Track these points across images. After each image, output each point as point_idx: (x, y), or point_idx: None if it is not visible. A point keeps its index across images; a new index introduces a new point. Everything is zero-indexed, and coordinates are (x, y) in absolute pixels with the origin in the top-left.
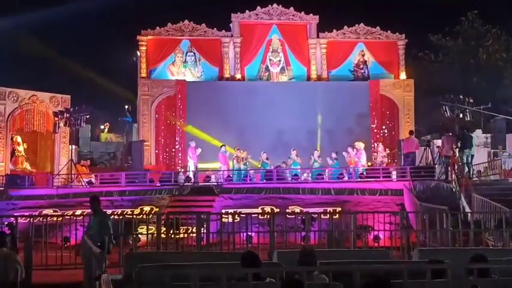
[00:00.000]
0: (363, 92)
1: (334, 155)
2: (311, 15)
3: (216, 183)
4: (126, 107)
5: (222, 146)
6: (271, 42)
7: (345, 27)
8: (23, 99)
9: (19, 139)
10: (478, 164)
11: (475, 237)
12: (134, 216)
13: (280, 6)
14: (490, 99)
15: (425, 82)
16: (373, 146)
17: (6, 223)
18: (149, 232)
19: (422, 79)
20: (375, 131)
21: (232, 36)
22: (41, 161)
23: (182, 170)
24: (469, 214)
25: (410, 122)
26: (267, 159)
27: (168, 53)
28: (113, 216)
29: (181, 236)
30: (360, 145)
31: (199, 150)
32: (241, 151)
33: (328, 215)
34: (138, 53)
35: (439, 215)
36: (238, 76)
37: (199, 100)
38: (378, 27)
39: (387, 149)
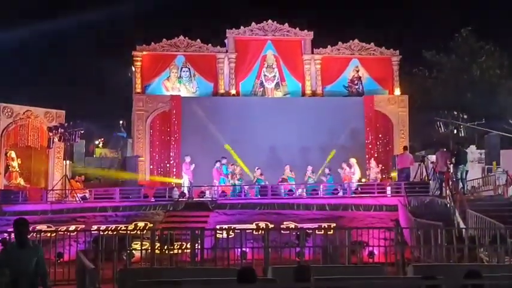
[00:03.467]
0: (358, 108)
1: (327, 171)
2: (305, 31)
3: (210, 199)
4: (121, 122)
5: (216, 161)
6: (266, 58)
7: (339, 43)
8: (17, 115)
9: (13, 154)
10: (472, 179)
11: (470, 253)
12: (128, 232)
13: (275, 22)
14: (484, 115)
15: (419, 98)
16: (367, 162)
17: None
18: (143, 248)
19: (416, 95)
20: (370, 146)
21: (227, 52)
22: (35, 177)
23: (177, 186)
24: (464, 230)
25: (404, 138)
26: (261, 175)
27: (163, 69)
28: (106, 231)
29: (176, 251)
30: (353, 161)
31: (193, 166)
32: (236, 167)
33: (322, 230)
34: (133, 69)
35: (433, 231)
36: (233, 92)
37: (194, 115)
38: (372, 44)
39: (380, 165)
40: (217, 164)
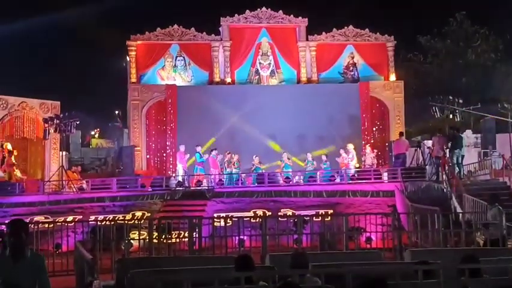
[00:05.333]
0: (353, 94)
1: (324, 158)
2: (300, 18)
3: (207, 188)
4: (117, 112)
5: (212, 150)
6: (261, 46)
7: (334, 29)
8: (12, 106)
9: (9, 146)
10: (469, 164)
11: (467, 237)
12: (126, 222)
13: (269, 9)
14: (480, 100)
15: (414, 83)
16: (364, 148)
17: None
18: (141, 237)
19: (411, 80)
20: (366, 133)
21: (221, 40)
22: (31, 168)
23: (174, 175)
24: (460, 214)
25: (400, 123)
26: (260, 163)
27: (157, 58)
28: (104, 222)
29: (174, 240)
30: (350, 147)
31: (187, 156)
32: (233, 155)
33: (320, 217)
34: (128, 58)
35: (430, 216)
36: (229, 80)
37: (190, 104)
38: (367, 29)
39: (375, 151)
40: (213, 153)
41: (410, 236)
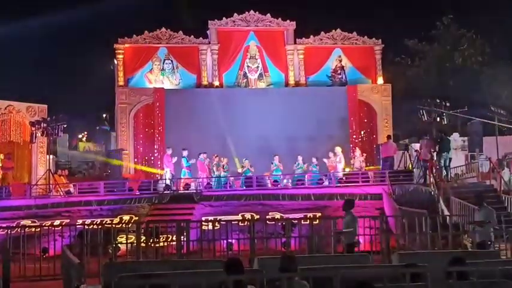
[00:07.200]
0: (341, 97)
1: (314, 160)
2: (288, 21)
3: (195, 191)
4: (104, 115)
5: (200, 153)
6: (249, 49)
7: (322, 32)
8: None
9: None
10: (456, 167)
11: (454, 239)
12: (113, 226)
13: (257, 12)
14: (467, 103)
15: (402, 87)
16: (352, 151)
17: None
18: (129, 241)
19: (399, 84)
20: (354, 136)
21: (209, 43)
22: (18, 172)
23: (163, 178)
24: (448, 217)
25: (388, 127)
26: (251, 166)
27: (145, 61)
28: (91, 225)
29: (162, 244)
30: (338, 150)
31: (175, 158)
32: (221, 158)
33: (308, 220)
34: (115, 61)
35: (418, 219)
36: (216, 83)
37: (178, 108)
38: (354, 33)
39: (364, 154)
40: (201, 156)
41: (398, 239)
